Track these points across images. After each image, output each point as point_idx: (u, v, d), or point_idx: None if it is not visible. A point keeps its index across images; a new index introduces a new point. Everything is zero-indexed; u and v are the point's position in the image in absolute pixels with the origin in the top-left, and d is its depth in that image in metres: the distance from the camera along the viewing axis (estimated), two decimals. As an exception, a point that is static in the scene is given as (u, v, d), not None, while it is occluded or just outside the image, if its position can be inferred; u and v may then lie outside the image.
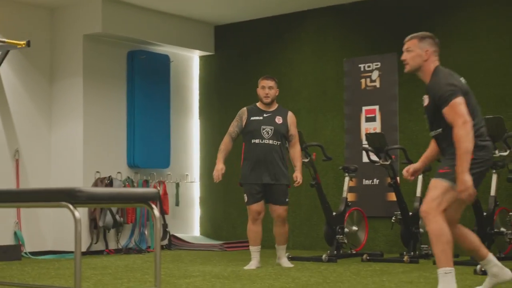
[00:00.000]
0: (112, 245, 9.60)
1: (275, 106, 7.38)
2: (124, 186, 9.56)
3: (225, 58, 10.75)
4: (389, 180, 8.11)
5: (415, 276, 6.41)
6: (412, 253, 7.83)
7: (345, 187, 8.38)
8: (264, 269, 7.14)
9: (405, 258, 7.64)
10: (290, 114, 7.37)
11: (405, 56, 5.09)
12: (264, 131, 7.21)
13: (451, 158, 4.78)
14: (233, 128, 7.35)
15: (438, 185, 4.78)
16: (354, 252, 8.44)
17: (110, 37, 9.69)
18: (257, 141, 7.22)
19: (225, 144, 7.31)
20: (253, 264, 7.21)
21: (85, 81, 9.48)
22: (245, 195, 7.29)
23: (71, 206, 3.86)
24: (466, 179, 4.60)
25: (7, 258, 8.49)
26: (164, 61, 10.40)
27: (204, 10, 10.08)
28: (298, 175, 7.24)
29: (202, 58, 10.95)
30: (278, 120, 7.27)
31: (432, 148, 5.17)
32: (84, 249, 9.12)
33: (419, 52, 5.02)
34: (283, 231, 7.34)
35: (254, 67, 10.30)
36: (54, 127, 9.67)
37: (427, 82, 5.03)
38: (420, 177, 8.18)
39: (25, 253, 9.00)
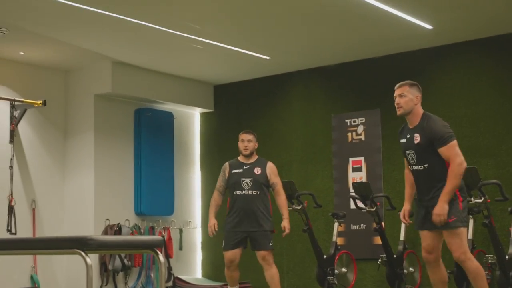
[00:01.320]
0: (121, 287, 9.50)
1: (254, 158, 7.24)
2: (132, 233, 9.48)
3: (223, 114, 10.77)
4: (374, 225, 8.08)
5: (400, 314, 6.34)
6: (397, 292, 7.76)
7: (335, 232, 8.34)
8: (261, 309, 7.07)
9: (391, 297, 7.57)
10: (269, 165, 7.23)
11: (399, 100, 5.26)
12: (244, 182, 7.08)
13: (451, 205, 5.14)
14: (219, 183, 7.27)
15: (456, 233, 5.14)
16: (343, 292, 8.35)
17: (118, 97, 9.71)
18: (238, 192, 7.08)
19: (215, 199, 7.24)
20: None
21: (96, 136, 9.48)
22: (223, 241, 7.19)
23: (83, 253, 3.82)
24: (446, 207, 5.02)
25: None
26: (168, 118, 10.41)
27: (204, 72, 10.13)
28: (285, 225, 7.10)
29: (202, 114, 10.98)
30: (257, 171, 7.12)
31: (410, 185, 5.54)
32: (94, 291, 9.04)
33: (411, 97, 5.24)
34: (272, 274, 7.09)
35: (249, 122, 10.32)
36: (68, 178, 9.64)
37: (416, 124, 5.28)
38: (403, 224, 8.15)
39: (40, 295, 8.93)
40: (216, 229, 7.17)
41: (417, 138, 5.22)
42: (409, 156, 5.32)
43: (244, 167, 7.16)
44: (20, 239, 4.51)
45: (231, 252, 7.06)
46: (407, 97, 5.27)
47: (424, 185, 5.24)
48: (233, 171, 7.18)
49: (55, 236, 4.36)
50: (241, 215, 7.03)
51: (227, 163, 7.35)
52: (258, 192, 7.05)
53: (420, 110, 5.34)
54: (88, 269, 3.74)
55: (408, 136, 5.33)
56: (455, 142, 5.19)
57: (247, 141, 7.19)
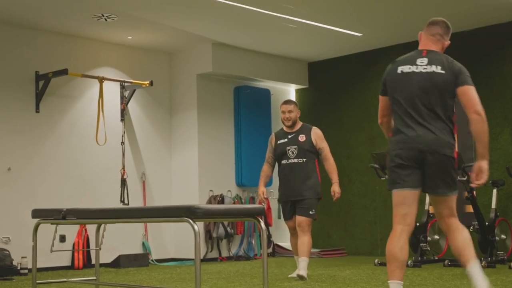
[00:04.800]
0: (224, 253, 9.69)
1: (298, 126, 6.87)
2: (234, 203, 9.64)
3: (318, 90, 10.75)
4: (466, 194, 7.92)
5: (492, 280, 6.21)
6: (489, 258, 7.60)
7: (427, 201, 8.22)
8: (356, 273, 7.08)
9: (483, 263, 7.41)
10: (314, 130, 6.85)
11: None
12: (289, 151, 6.76)
13: None
14: (268, 154, 7.00)
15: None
16: (436, 258, 8.25)
17: (219, 75, 9.84)
18: (284, 162, 6.79)
19: (263, 170, 6.99)
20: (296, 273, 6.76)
21: (199, 113, 9.65)
22: (282, 212, 6.98)
23: (191, 221, 3.92)
24: None
25: (137, 264, 8.68)
26: (265, 94, 10.48)
27: (298, 49, 10.12)
28: (335, 189, 6.73)
29: (297, 90, 10.99)
30: (301, 138, 6.76)
31: None
32: (201, 257, 9.22)
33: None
34: (302, 241, 6.66)
35: (342, 97, 10.28)
36: (174, 152, 9.87)
37: None
38: (495, 190, 7.96)
39: (152, 260, 9.19)
40: (265, 196, 6.90)
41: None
42: None
43: (289, 136, 6.84)
44: (135, 208, 4.68)
45: (291, 220, 6.83)
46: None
47: None
48: (278, 142, 6.89)
49: (165, 205, 4.48)
50: (288, 184, 6.76)
51: (273, 134, 7.08)
52: (304, 159, 6.71)
53: None
54: (196, 236, 3.83)
55: None
56: None
57: (287, 112, 6.84)
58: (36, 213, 4.98)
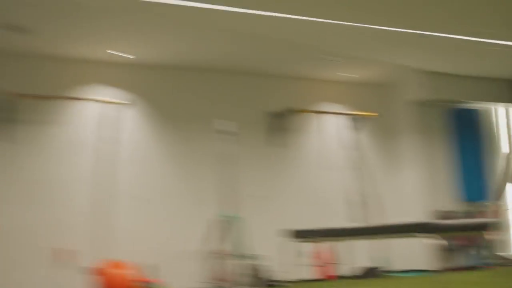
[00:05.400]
0: (454, 264, 9.62)
1: None
2: (459, 217, 9.64)
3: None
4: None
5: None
6: None
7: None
8: None
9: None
10: None
11: None
12: None
13: None
14: None
15: None
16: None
17: (429, 101, 10.14)
18: None
19: None
20: None
21: (417, 136, 10.14)
22: None
23: (425, 236, 4.21)
24: None
25: (374, 276, 9.15)
26: (475, 115, 10.71)
27: (504, 70, 10.13)
28: None
29: (507, 109, 10.99)
30: None
31: None
32: (434, 268, 8.87)
33: None
34: None
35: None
36: (396, 174, 10.38)
37: None
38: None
39: (386, 272, 9.38)
40: None
41: None
42: None
43: None
44: (372, 227, 4.96)
45: None
46: None
47: None
48: None
49: (399, 223, 4.64)
50: None
51: None
52: None
53: None
54: (434, 249, 4.13)
55: None
56: None
57: None
58: (298, 234, 5.49)
